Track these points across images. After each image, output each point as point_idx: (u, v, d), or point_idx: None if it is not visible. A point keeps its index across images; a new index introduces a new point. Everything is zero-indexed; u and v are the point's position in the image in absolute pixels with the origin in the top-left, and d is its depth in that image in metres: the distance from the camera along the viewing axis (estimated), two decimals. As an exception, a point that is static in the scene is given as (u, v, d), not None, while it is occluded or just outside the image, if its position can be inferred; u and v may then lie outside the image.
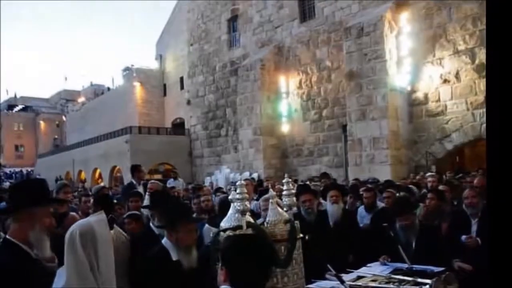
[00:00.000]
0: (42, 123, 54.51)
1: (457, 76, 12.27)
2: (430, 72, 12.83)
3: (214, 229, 2.45)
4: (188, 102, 23.89)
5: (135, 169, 6.55)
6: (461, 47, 12.19)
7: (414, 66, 12.94)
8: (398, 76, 12.93)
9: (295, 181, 9.09)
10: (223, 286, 1.51)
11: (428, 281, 2.84)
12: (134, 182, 6.38)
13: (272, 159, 17.15)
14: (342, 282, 2.61)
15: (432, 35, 12.78)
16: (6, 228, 3.17)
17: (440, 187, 5.41)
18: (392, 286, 2.98)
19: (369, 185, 6.56)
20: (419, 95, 13.10)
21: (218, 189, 8.33)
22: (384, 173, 11.51)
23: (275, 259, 1.61)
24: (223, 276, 1.50)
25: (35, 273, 1.96)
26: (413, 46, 12.90)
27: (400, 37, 13.06)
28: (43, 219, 2.03)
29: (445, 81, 12.50)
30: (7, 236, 2.03)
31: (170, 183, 10.25)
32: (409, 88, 13.15)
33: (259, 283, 1.51)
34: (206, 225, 3.76)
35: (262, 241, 1.63)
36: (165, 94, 28.72)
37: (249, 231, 2.12)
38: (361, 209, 5.43)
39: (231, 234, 2.08)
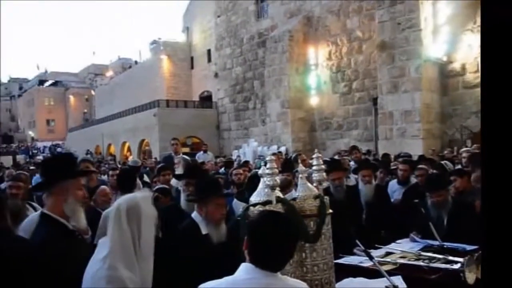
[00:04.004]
0: (71, 98, 55.97)
1: (498, 45, 11.59)
2: (469, 41, 12.15)
3: (244, 204, 2.47)
4: (216, 75, 23.85)
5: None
6: (505, 13, 11.44)
7: (452, 35, 12.29)
8: (434, 46, 12.35)
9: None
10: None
11: (460, 259, 2.77)
12: (173, 154, 6.59)
13: (300, 132, 17.03)
14: (371, 258, 2.59)
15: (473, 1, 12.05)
16: (43, 202, 3.31)
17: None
18: (421, 263, 2.93)
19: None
20: (456, 66, 12.51)
21: (245, 163, 8.38)
22: (415, 147, 11.23)
23: (298, 240, 1.63)
24: (244, 245, 1.55)
25: (73, 244, 2.06)
26: (451, 13, 12.19)
27: (438, 4, 12.36)
28: (76, 192, 2.11)
29: (485, 50, 11.85)
30: (44, 211, 2.12)
31: (199, 156, 10.38)
32: (445, 59, 12.57)
33: (278, 260, 1.54)
34: (235, 200, 3.80)
35: (290, 221, 1.63)
36: (192, 67, 28.73)
37: (279, 205, 2.13)
38: (392, 183, 5.33)
39: (261, 208, 2.09)
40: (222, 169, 8.00)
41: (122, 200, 1.93)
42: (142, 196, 1.95)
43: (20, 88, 68.54)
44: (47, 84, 59.76)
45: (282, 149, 15.69)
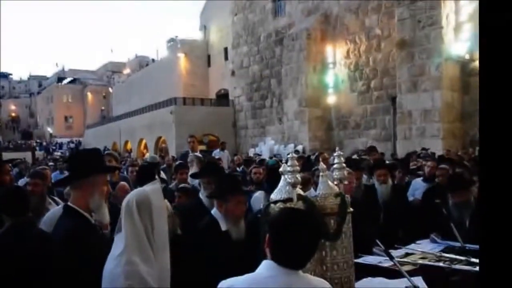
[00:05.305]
0: (89, 95, 56.87)
1: (523, 42, 11.28)
2: (492, 38, 11.86)
3: (264, 194, 2.44)
4: (233, 73, 23.90)
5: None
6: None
7: (475, 32, 12.00)
8: (455, 43, 12.09)
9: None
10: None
11: (484, 261, 2.71)
12: (190, 152, 6.59)
13: (317, 131, 16.94)
14: (391, 258, 2.56)
15: (496, -3, 11.76)
16: (65, 196, 3.37)
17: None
18: (442, 264, 2.89)
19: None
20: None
21: (261, 161, 8.38)
22: (435, 147, 11.03)
23: (320, 237, 1.61)
24: (266, 242, 1.54)
25: (95, 237, 2.09)
26: (474, 10, 11.89)
27: (461, 0, 12.09)
28: (101, 187, 2.14)
29: (509, 48, 11.55)
30: (69, 203, 2.15)
31: (216, 154, 10.39)
32: (467, 57, 12.28)
33: (300, 258, 1.53)
34: (254, 196, 3.79)
35: (312, 219, 1.62)
36: (209, 65, 28.85)
37: (300, 203, 2.12)
38: (416, 181, 5.29)
39: (282, 206, 2.08)
40: (241, 167, 8.01)
41: (132, 194, 1.94)
42: (151, 188, 1.96)
43: (40, 85, 70.15)
44: (65, 81, 60.88)
45: (299, 147, 15.64)
